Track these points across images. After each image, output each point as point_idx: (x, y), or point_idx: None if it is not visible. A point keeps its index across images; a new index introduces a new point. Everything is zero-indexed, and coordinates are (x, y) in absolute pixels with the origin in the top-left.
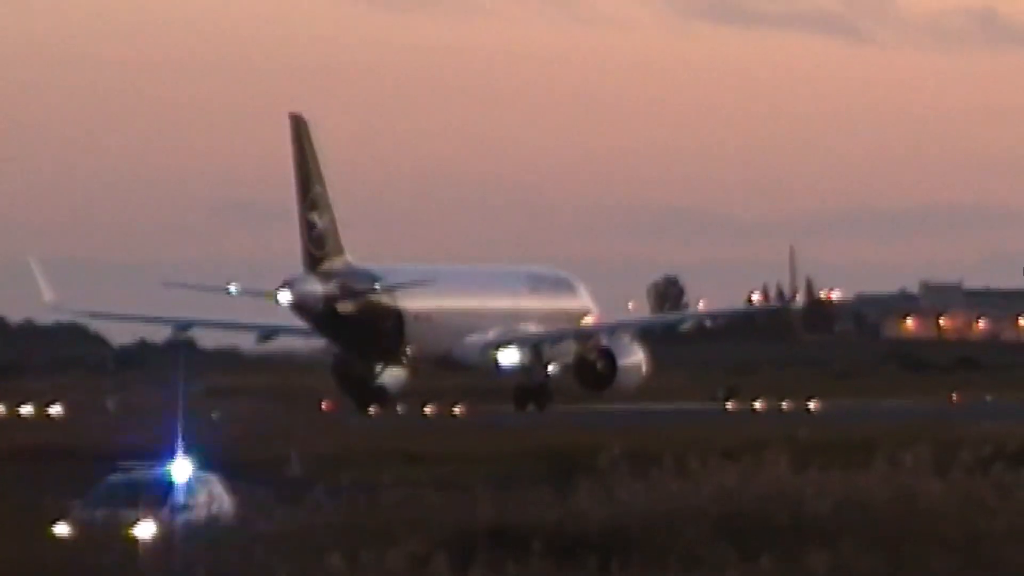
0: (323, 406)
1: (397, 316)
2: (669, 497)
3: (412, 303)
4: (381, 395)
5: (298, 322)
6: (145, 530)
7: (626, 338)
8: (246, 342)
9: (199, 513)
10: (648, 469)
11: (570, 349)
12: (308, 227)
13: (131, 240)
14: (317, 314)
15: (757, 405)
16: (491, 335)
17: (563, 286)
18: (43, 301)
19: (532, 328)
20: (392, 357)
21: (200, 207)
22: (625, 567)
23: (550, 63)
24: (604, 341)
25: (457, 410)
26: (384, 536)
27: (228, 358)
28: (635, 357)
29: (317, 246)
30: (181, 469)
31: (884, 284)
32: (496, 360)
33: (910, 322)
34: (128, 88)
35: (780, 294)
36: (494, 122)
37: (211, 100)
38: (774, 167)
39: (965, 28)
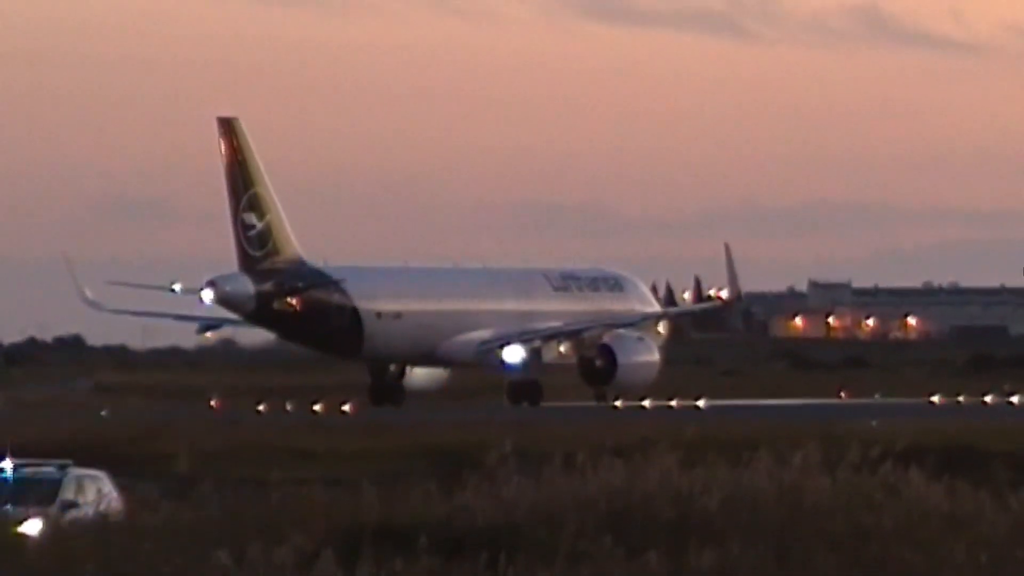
0: (212, 403)
1: (352, 313)
2: (557, 494)
3: (373, 302)
4: (397, 393)
5: None
6: (33, 527)
7: (635, 335)
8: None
9: (87, 510)
10: (537, 466)
11: (572, 347)
12: (244, 228)
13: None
14: (250, 312)
15: (646, 403)
16: (486, 334)
17: (606, 286)
18: (83, 299)
19: (541, 327)
20: (352, 353)
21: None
22: (512, 563)
23: (432, 59)
24: (606, 339)
25: (347, 407)
26: (271, 532)
27: (117, 355)
28: (642, 355)
29: (255, 246)
30: (69, 466)
31: (773, 283)
32: (492, 358)
33: (799, 321)
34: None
35: (669, 293)
36: (376, 118)
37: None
38: (661, 165)
39: (848, 26)
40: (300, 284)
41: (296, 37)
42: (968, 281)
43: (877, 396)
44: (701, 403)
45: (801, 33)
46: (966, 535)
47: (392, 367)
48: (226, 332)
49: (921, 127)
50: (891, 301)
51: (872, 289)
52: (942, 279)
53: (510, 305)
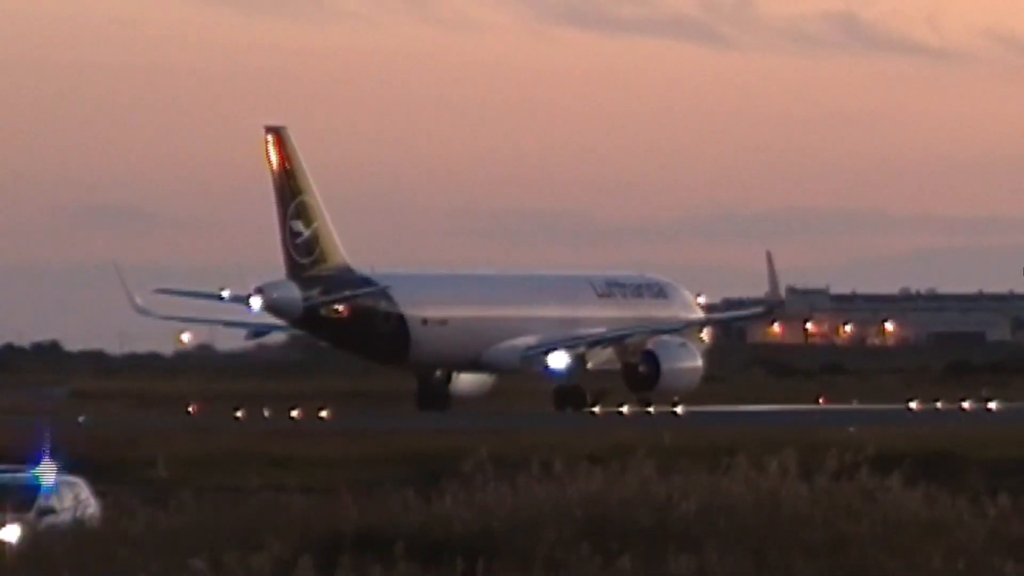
0: (190, 409)
1: (399, 320)
2: (534, 500)
3: (420, 309)
4: (442, 399)
5: None
6: (10, 533)
7: (678, 341)
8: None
9: (65, 516)
10: (514, 473)
11: (615, 353)
12: (292, 235)
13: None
14: (298, 318)
15: (624, 409)
16: (531, 340)
17: (650, 292)
18: (133, 306)
19: (585, 333)
20: (399, 360)
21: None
22: (490, 570)
23: (411, 66)
24: (650, 345)
25: (324, 414)
26: (249, 539)
27: (94, 361)
28: (686, 361)
29: (302, 253)
30: (47, 472)
31: (750, 289)
32: (537, 364)
33: (776, 327)
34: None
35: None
36: (356, 124)
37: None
38: (637, 172)
39: (825, 33)
40: (347, 291)
41: (274, 45)
42: (946, 287)
43: (855, 402)
44: (679, 409)
45: (778, 40)
46: (944, 542)
47: (438, 373)
48: (203, 337)
49: (898, 134)
50: (869, 307)
51: (850, 295)
52: (920, 285)
53: (555, 311)
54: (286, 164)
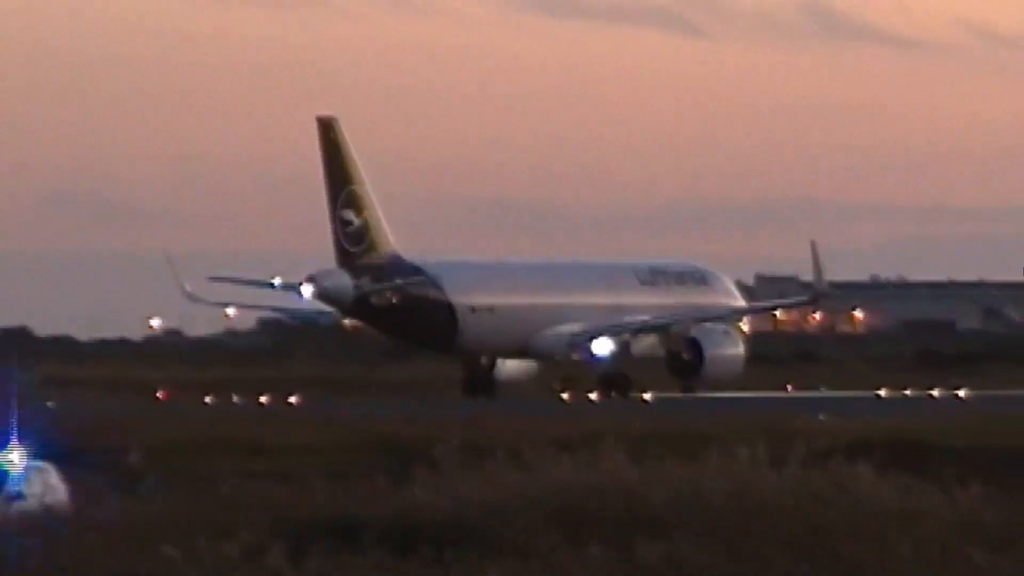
0: (159, 395)
1: (447, 308)
2: (504, 489)
3: (468, 297)
4: (489, 385)
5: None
6: None
7: (721, 328)
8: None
9: (33, 503)
10: (483, 461)
11: (659, 340)
12: (342, 224)
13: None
14: (349, 306)
15: (593, 397)
16: (577, 328)
17: (693, 280)
18: (183, 293)
19: (630, 320)
20: (446, 347)
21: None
22: (460, 558)
23: (387, 55)
24: (693, 332)
25: (294, 400)
26: (220, 526)
27: (64, 347)
28: (728, 349)
29: (352, 242)
30: (15, 458)
31: None
32: (582, 351)
33: None
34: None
35: None
36: (342, 116)
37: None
38: (607, 161)
39: (798, 22)
40: (398, 279)
41: (250, 36)
42: (916, 275)
43: (823, 389)
44: (648, 396)
45: (750, 29)
46: (915, 530)
47: (483, 360)
48: (172, 324)
49: (869, 123)
50: (838, 295)
51: None
52: (889, 273)
53: (600, 299)
54: (336, 154)
